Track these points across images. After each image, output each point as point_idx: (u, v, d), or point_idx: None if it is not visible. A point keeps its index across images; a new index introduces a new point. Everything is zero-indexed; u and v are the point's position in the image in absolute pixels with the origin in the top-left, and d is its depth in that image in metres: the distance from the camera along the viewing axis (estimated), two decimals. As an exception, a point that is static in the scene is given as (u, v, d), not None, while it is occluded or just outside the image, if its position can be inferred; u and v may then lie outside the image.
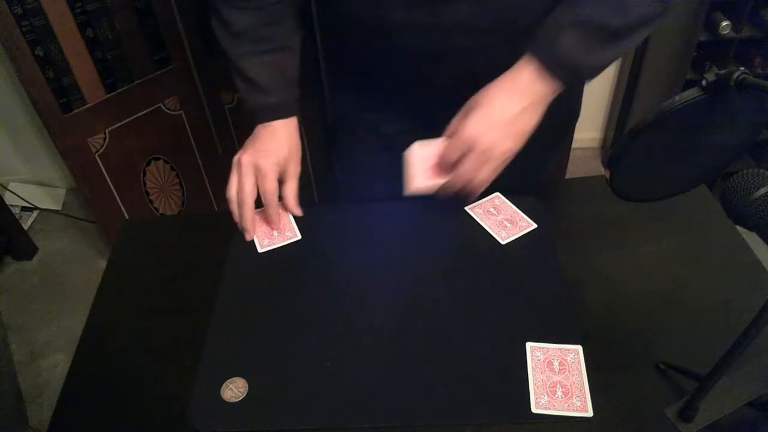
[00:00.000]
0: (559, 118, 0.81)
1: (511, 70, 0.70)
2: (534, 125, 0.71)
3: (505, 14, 0.73)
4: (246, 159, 0.77)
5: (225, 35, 0.79)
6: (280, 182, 0.80)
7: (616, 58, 0.69)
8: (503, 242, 0.75)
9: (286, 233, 0.79)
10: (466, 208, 0.80)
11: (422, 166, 0.74)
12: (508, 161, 0.70)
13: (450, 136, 0.71)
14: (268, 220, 0.79)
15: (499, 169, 0.71)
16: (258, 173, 0.77)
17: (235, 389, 0.61)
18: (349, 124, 1.00)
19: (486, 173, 0.69)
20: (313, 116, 1.57)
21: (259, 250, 0.77)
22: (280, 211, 0.81)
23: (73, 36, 1.42)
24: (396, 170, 0.88)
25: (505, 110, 0.68)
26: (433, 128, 0.74)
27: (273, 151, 0.79)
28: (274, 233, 0.79)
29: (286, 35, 0.81)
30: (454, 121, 0.71)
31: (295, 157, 0.82)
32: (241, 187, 0.77)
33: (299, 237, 0.79)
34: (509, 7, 0.72)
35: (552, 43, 0.66)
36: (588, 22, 0.65)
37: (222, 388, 0.61)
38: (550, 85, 0.68)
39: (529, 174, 0.82)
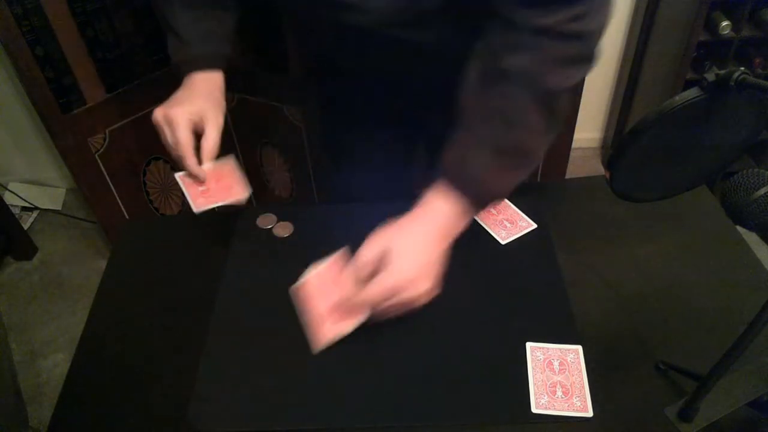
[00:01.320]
0: None
1: (425, 202, 0.67)
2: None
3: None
4: (157, 112, 0.73)
5: None
6: (199, 135, 0.75)
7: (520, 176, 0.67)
8: (503, 242, 0.75)
9: (231, 190, 0.73)
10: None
11: (321, 287, 0.69)
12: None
13: (361, 266, 0.64)
14: (191, 174, 0.73)
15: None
16: (169, 124, 0.72)
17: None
18: (342, 140, 1.00)
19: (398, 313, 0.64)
20: (314, 116, 1.57)
21: (195, 210, 0.72)
22: (230, 166, 0.76)
23: (73, 36, 1.42)
24: (394, 171, 0.87)
25: (429, 254, 0.64)
26: (423, 130, 0.73)
27: (186, 100, 0.74)
28: (212, 189, 0.73)
29: None
30: (365, 251, 0.65)
31: (213, 107, 0.76)
32: (171, 142, 0.73)
33: (247, 195, 0.73)
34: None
35: (462, 169, 0.64)
36: (492, 144, 0.63)
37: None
38: (462, 215, 0.66)
39: None
